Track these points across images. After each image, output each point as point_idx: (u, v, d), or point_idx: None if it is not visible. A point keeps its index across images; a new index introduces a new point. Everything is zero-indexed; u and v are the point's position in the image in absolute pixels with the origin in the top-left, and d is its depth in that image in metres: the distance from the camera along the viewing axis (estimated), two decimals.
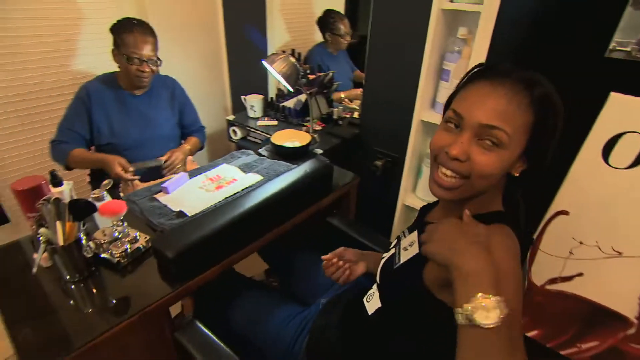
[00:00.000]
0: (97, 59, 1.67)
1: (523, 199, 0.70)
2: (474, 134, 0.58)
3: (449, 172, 0.61)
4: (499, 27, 1.00)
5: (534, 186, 0.65)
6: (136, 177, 1.37)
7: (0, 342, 1.48)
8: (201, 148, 1.70)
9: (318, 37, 2.08)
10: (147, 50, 1.35)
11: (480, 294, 0.48)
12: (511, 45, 1.02)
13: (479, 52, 1.03)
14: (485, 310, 0.48)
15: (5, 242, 1.02)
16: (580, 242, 1.07)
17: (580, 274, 1.11)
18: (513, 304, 0.50)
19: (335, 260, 0.93)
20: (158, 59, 1.42)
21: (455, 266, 0.53)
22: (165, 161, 1.48)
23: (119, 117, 1.43)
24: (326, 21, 1.98)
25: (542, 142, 0.59)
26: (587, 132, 0.97)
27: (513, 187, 0.67)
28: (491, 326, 0.47)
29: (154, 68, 1.41)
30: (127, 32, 1.32)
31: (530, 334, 1.27)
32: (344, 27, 1.97)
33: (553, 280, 1.16)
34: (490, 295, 0.48)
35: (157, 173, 1.49)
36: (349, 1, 2.14)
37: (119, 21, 1.35)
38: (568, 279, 1.13)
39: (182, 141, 1.66)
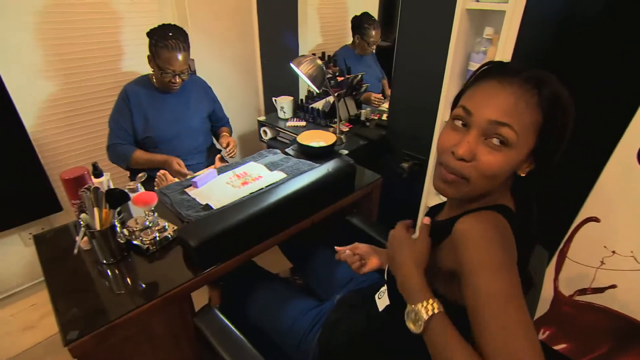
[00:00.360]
0: (139, 62, 1.81)
1: (537, 200, 0.68)
2: (482, 133, 0.58)
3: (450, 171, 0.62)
4: (525, 27, 0.97)
5: (542, 186, 0.64)
6: (190, 172, 1.52)
7: (51, 318, 1.64)
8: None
9: (347, 41, 2.10)
10: (178, 65, 1.47)
11: (408, 307, 0.59)
12: (537, 45, 0.99)
13: (503, 52, 1.01)
14: (411, 321, 0.58)
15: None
16: (613, 252, 1.01)
17: (613, 286, 1.05)
18: (488, 290, 0.51)
19: (347, 251, 0.96)
20: (189, 68, 1.52)
21: (397, 280, 0.65)
22: (225, 147, 1.69)
23: (153, 114, 1.56)
24: (360, 24, 2.00)
25: (551, 142, 0.58)
26: (621, 134, 0.91)
27: (524, 187, 0.66)
28: (420, 331, 0.57)
29: (184, 77, 1.53)
30: (162, 46, 1.42)
31: (559, 347, 1.21)
32: (374, 35, 1.98)
33: (582, 291, 1.10)
34: (413, 305, 0.59)
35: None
36: (383, 6, 2.14)
37: (155, 28, 1.46)
38: (599, 290, 1.07)
39: (213, 137, 1.82)
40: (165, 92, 1.57)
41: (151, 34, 1.45)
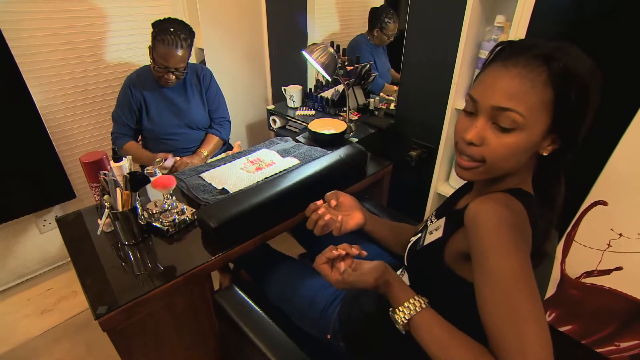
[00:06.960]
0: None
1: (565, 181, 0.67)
2: (489, 118, 0.58)
3: (465, 157, 0.63)
4: (537, 13, 0.98)
5: (568, 167, 0.64)
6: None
7: (67, 302, 1.69)
8: (224, 144, 1.77)
9: (355, 31, 2.11)
10: (173, 63, 1.42)
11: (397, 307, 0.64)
12: (549, 32, 1.00)
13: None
14: (400, 318, 0.63)
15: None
16: (620, 234, 1.04)
17: (619, 268, 1.07)
18: (498, 272, 0.52)
19: (322, 209, 0.89)
20: (186, 67, 1.49)
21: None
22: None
23: (155, 106, 1.55)
24: (379, 17, 1.99)
25: (570, 119, 0.56)
26: (631, 118, 0.93)
27: (550, 168, 0.65)
28: (402, 327, 0.62)
29: (179, 75, 1.48)
30: (160, 39, 1.39)
31: (564, 329, 1.24)
32: (392, 28, 1.99)
33: (589, 274, 1.13)
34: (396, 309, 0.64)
35: None
36: None
37: (161, 21, 1.42)
38: (605, 272, 1.10)
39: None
40: (164, 86, 1.55)
41: (155, 25, 1.42)
